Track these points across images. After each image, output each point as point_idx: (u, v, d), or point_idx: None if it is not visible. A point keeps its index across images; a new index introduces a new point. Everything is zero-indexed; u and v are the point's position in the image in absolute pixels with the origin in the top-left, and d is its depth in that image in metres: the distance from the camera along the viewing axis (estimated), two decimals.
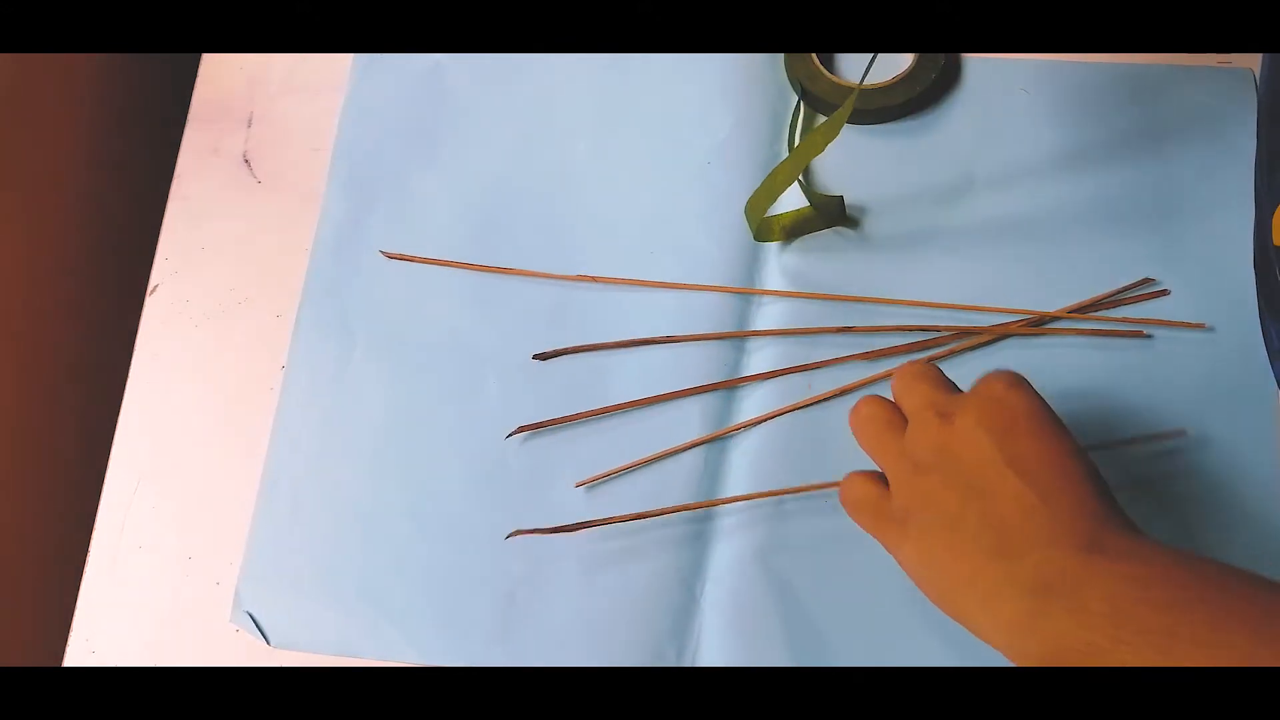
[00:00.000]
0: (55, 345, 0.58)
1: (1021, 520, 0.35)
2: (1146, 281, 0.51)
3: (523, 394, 0.51)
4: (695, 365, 0.51)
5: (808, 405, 0.50)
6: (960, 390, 0.41)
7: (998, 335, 0.50)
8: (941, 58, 0.54)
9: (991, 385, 0.39)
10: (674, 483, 0.50)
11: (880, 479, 0.42)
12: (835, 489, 0.45)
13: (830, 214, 0.52)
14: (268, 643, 0.49)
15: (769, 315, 0.52)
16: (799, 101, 0.55)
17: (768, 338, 0.52)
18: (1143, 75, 0.54)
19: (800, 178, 0.51)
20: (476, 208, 0.55)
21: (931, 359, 0.50)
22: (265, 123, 0.57)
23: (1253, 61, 0.54)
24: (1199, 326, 0.50)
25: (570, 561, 0.49)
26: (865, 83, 0.54)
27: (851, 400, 0.50)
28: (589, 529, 0.48)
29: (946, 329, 0.51)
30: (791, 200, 0.53)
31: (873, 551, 0.48)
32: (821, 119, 0.55)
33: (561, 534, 0.48)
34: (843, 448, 0.50)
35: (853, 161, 0.54)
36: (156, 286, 0.55)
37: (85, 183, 0.60)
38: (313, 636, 0.49)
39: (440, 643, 0.49)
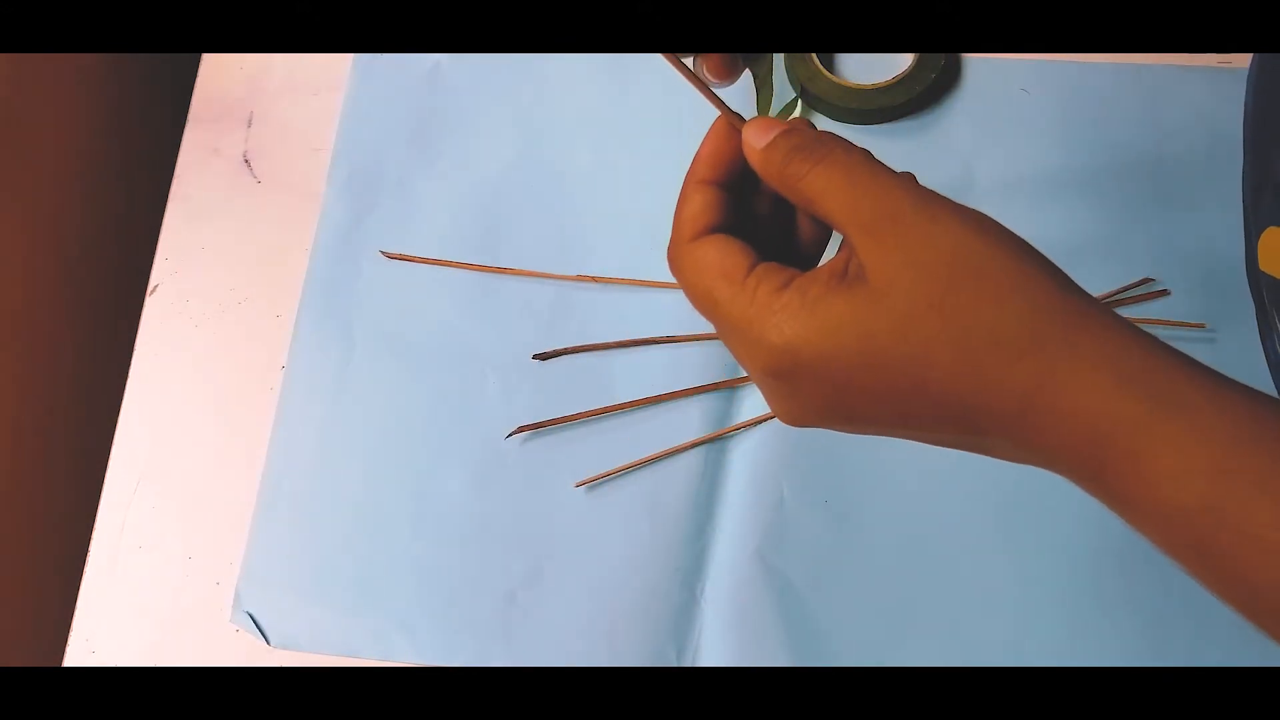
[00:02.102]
0: (55, 345, 0.58)
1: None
2: (1146, 281, 0.51)
3: (523, 394, 0.51)
4: (695, 365, 0.51)
5: None
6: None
7: None
8: (941, 58, 0.54)
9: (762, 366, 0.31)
10: (674, 483, 0.50)
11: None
12: None
13: None
14: (268, 643, 0.49)
15: None
16: (798, 100, 0.55)
17: None
18: (1143, 75, 0.54)
19: None
20: (476, 208, 0.55)
21: None
22: (265, 123, 0.57)
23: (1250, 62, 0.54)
24: (1199, 326, 0.50)
25: (570, 561, 0.49)
26: (865, 83, 0.54)
27: None
28: (589, 538, 0.48)
29: None
30: None
31: (873, 551, 0.49)
32: (821, 119, 0.55)
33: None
34: (843, 447, 0.50)
35: None
36: (156, 286, 0.55)
37: (85, 183, 0.60)
38: (313, 636, 0.49)
39: (440, 643, 0.49)
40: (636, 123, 0.56)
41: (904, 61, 0.55)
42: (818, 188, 0.30)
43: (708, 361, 0.51)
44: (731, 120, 0.34)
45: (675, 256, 0.33)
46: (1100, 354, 0.27)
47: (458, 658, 0.48)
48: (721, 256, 0.31)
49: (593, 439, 0.51)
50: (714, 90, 0.35)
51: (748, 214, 0.34)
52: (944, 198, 0.30)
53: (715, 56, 0.36)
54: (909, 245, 0.29)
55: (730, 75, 0.35)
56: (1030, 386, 0.27)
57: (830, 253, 0.33)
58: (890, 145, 0.54)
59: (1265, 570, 0.26)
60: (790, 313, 0.29)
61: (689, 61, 0.35)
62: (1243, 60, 0.54)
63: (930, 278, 0.28)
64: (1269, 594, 0.26)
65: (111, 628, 0.50)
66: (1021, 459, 0.29)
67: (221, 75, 0.58)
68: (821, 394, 0.30)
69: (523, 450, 0.51)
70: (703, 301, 0.32)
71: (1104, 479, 0.28)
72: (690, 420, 0.51)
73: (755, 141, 0.32)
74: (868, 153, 0.31)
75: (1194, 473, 0.26)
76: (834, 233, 0.34)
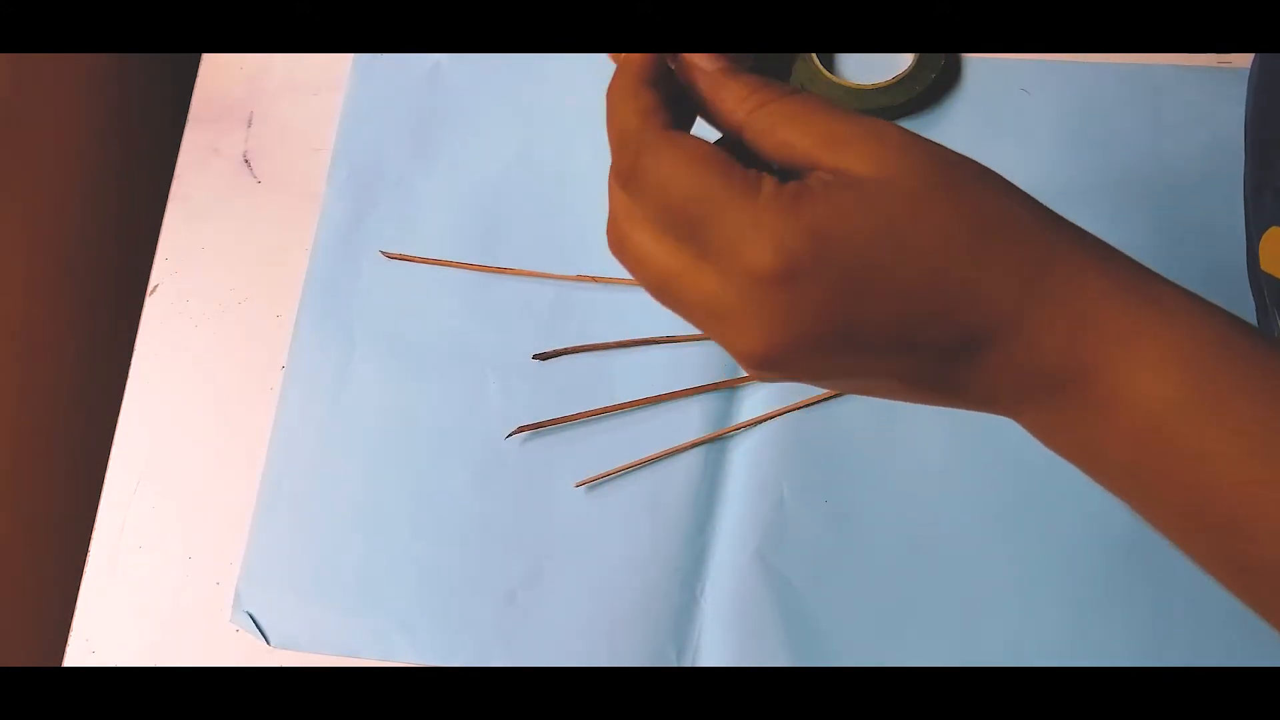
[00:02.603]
0: (55, 345, 0.58)
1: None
2: None
3: (523, 394, 0.51)
4: (695, 365, 0.51)
5: (808, 405, 0.50)
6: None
7: None
8: (941, 58, 0.54)
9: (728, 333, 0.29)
10: (674, 483, 0.50)
11: None
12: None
13: None
14: (268, 643, 0.49)
15: None
16: None
17: None
18: (1143, 75, 0.54)
19: None
20: (476, 208, 0.55)
21: None
22: (265, 123, 0.57)
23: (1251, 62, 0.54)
24: None
25: (570, 561, 0.49)
26: (865, 83, 0.54)
27: (852, 401, 0.50)
28: (589, 533, 0.48)
29: None
30: None
31: (873, 551, 0.48)
32: None
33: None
34: (844, 447, 0.50)
35: None
36: (156, 286, 0.55)
37: (85, 183, 0.60)
38: (313, 636, 0.49)
39: (440, 643, 0.49)
40: None
41: (904, 61, 0.54)
42: (784, 115, 0.29)
43: (708, 361, 0.51)
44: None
45: (648, 146, 0.29)
46: (1087, 259, 0.28)
47: (458, 658, 0.48)
48: (710, 150, 0.28)
49: (593, 439, 0.51)
50: None
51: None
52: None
53: None
54: (903, 152, 0.28)
55: None
56: (1029, 275, 0.27)
57: None
58: None
59: (1231, 468, 0.26)
60: (805, 200, 0.27)
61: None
62: (1242, 60, 0.54)
63: (933, 170, 0.28)
64: (1226, 500, 0.26)
65: (111, 628, 0.50)
66: (1001, 379, 0.28)
67: (221, 75, 0.58)
68: (833, 293, 0.27)
69: (523, 450, 0.51)
70: (693, 193, 0.28)
71: (1085, 379, 0.27)
72: (690, 420, 0.51)
73: (710, 63, 0.30)
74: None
75: (1175, 364, 0.27)
76: None
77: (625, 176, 0.30)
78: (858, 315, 0.27)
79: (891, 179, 0.27)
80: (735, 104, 0.29)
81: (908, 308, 0.27)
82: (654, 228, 0.29)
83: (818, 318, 0.27)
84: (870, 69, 0.55)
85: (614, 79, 0.31)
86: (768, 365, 0.29)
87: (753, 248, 0.27)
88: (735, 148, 0.30)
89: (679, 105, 0.31)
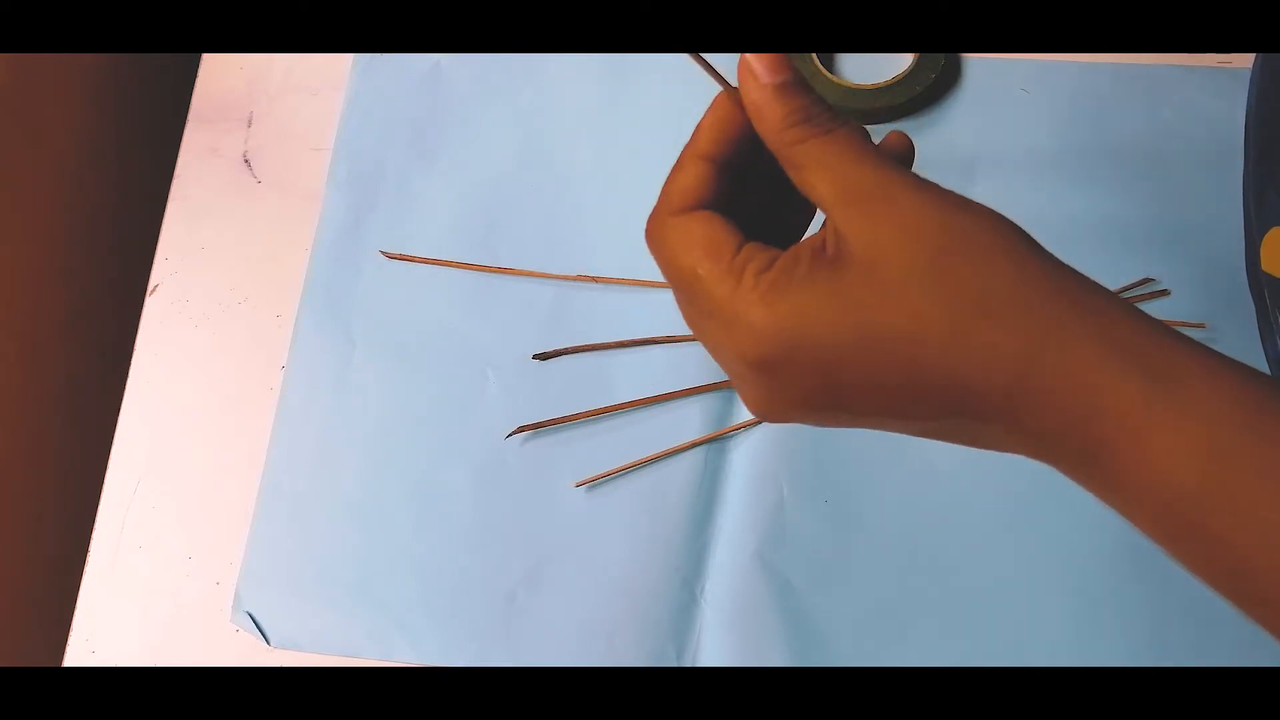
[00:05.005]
0: (56, 345, 0.58)
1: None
2: (1146, 281, 0.51)
3: (523, 394, 0.51)
4: (695, 365, 0.51)
5: None
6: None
7: None
8: (941, 58, 0.54)
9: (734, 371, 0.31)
10: (674, 483, 0.50)
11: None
12: None
13: None
14: (268, 643, 0.49)
15: None
16: None
17: None
18: (1142, 75, 0.54)
19: None
20: (476, 208, 0.55)
21: None
22: (265, 123, 0.57)
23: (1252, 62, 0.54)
24: (1199, 326, 0.50)
25: (570, 561, 0.49)
26: (865, 83, 0.54)
27: None
28: (588, 535, 0.48)
29: None
30: None
31: (873, 551, 0.48)
32: None
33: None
34: (844, 447, 0.50)
35: None
36: (156, 286, 0.55)
37: (85, 183, 0.60)
38: (313, 636, 0.49)
39: (440, 643, 0.49)
40: (636, 123, 0.56)
41: (904, 61, 0.54)
42: (813, 157, 0.29)
43: (708, 361, 0.51)
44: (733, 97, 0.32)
45: (658, 228, 0.31)
46: (1092, 327, 0.27)
47: (458, 658, 0.48)
48: (708, 232, 0.30)
49: (593, 439, 0.51)
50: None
51: (738, 192, 0.32)
52: (934, 182, 0.29)
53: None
54: (897, 218, 0.28)
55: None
56: (1022, 360, 0.27)
57: (811, 231, 0.32)
58: None
59: (1260, 554, 0.25)
60: (778, 292, 0.28)
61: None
62: (1243, 60, 0.54)
63: (919, 248, 0.28)
64: (1262, 578, 0.26)
65: (111, 628, 0.50)
66: (1015, 446, 0.29)
67: (221, 75, 0.58)
68: (811, 381, 0.29)
69: (523, 450, 0.51)
70: (683, 279, 0.30)
71: (1099, 460, 0.27)
72: (690, 420, 0.51)
73: (765, 76, 0.30)
74: (865, 132, 0.31)
75: (1192, 452, 0.26)
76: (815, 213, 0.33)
77: (650, 238, 0.32)
78: (838, 395, 0.29)
79: (876, 263, 0.28)
80: (775, 130, 0.30)
81: (886, 391, 0.28)
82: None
83: (800, 397, 0.29)
84: (870, 69, 0.55)
85: (693, 134, 0.32)
86: (767, 419, 0.31)
87: (732, 336, 0.29)
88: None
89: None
